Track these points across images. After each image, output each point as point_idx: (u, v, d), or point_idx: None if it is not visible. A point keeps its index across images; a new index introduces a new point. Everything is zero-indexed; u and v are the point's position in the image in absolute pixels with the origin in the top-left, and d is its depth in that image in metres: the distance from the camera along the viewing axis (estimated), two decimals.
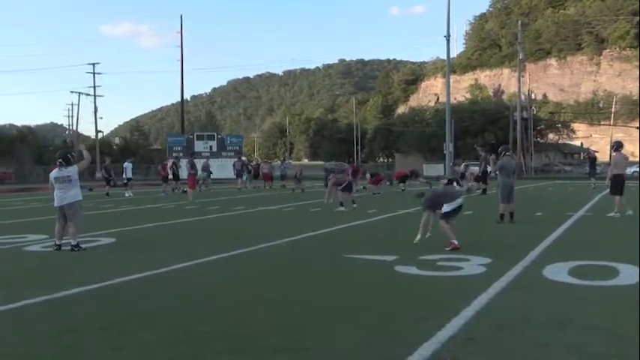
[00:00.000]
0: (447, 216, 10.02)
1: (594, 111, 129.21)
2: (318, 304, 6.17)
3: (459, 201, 10.25)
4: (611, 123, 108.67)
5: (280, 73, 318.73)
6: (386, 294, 6.62)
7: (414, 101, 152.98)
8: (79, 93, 72.24)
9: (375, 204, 20.40)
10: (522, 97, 68.32)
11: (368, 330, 5.11)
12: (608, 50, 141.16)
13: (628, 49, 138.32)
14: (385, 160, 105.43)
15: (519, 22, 77.25)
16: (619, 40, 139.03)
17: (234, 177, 36.14)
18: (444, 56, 70.25)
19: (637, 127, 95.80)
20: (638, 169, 61.95)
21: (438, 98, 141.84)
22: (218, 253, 9.51)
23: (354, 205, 18.25)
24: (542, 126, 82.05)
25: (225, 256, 9.34)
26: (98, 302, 6.44)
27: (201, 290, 6.95)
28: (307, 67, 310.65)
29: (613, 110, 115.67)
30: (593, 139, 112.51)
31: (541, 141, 78.83)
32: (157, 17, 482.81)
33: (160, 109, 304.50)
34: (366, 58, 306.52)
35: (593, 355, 4.42)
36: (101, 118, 70.69)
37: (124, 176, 30.78)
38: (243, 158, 41.87)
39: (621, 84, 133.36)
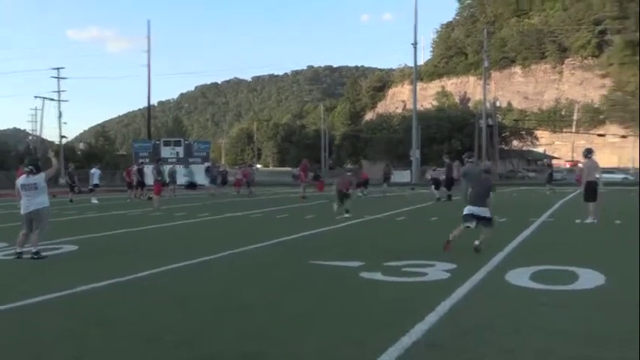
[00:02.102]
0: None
1: (557, 118, 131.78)
2: (284, 310, 6.18)
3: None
4: (573, 130, 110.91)
5: (249, 79, 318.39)
6: (351, 300, 6.65)
7: (381, 108, 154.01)
8: (44, 98, 71.08)
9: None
10: (488, 104, 69.27)
11: (333, 336, 5.13)
12: (570, 59, 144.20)
13: (589, 58, 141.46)
14: (353, 167, 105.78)
15: (485, 30, 78.51)
16: (581, 49, 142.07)
17: (208, 183, 35.85)
18: (411, 63, 71.01)
19: (598, 135, 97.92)
20: (628, 176, 63.36)
21: (405, 105, 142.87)
22: (184, 260, 9.44)
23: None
24: (507, 133, 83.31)
25: (190, 263, 9.28)
26: (61, 311, 6.35)
27: (167, 298, 6.90)
28: (276, 73, 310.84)
29: (575, 118, 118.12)
30: (556, 146, 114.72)
31: (506, 148, 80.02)
32: (124, 22, 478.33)
33: (126, 115, 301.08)
34: (335, 65, 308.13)
35: (552, 358, 4.50)
36: (65, 123, 69.31)
37: (90, 182, 30.35)
38: (210, 164, 41.59)
39: (583, 92, 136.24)
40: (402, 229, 15.14)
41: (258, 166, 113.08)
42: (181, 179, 37.73)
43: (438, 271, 8.17)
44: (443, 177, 27.64)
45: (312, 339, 5.05)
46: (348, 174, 22.32)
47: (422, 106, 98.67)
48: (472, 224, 10.22)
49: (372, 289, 7.25)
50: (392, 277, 7.79)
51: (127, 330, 5.45)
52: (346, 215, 17.60)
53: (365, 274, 8.00)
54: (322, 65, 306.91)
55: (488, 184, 10.58)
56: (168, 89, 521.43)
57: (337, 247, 11.31)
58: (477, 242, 9.92)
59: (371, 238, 13.02)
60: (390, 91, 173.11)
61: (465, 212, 10.27)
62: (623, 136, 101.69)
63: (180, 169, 37.17)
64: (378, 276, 7.88)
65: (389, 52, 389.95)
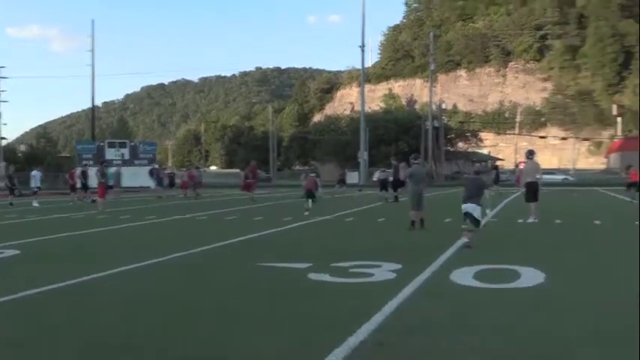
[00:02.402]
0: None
1: (501, 121, 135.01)
2: (231, 313, 6.16)
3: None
4: (516, 132, 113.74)
5: (196, 80, 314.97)
6: (299, 301, 6.68)
7: (329, 110, 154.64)
8: None
9: (290, 212, 20.50)
10: (434, 106, 70.44)
11: (281, 337, 5.16)
12: (513, 63, 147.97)
13: (531, 62, 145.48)
14: (301, 168, 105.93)
15: (431, 34, 79.83)
16: (523, 53, 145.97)
17: (154, 185, 35.33)
18: (359, 66, 71.57)
19: (540, 137, 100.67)
20: (568, 177, 65.18)
21: (353, 107, 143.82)
22: (129, 263, 9.30)
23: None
24: (453, 135, 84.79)
25: (136, 266, 9.15)
26: (2, 318, 6.18)
27: (112, 302, 6.79)
28: (223, 74, 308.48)
29: (518, 120, 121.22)
30: (500, 147, 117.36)
31: (451, 149, 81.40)
32: (68, 21, 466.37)
33: (69, 116, 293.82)
34: (283, 67, 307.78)
35: (495, 356, 4.63)
36: (5, 124, 67.53)
37: (31, 185, 29.53)
38: (156, 166, 41.03)
39: (525, 95, 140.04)
40: (350, 230, 15.26)
41: (213, 167, 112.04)
42: (126, 182, 37.06)
43: (384, 271, 8.27)
44: (390, 178, 27.99)
45: (259, 341, 5.05)
46: (312, 175, 25.15)
47: (370, 108, 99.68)
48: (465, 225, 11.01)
49: (320, 290, 7.30)
50: (339, 278, 7.86)
51: (71, 336, 5.35)
52: (305, 214, 18.63)
53: (313, 276, 8.05)
54: (270, 67, 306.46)
55: (478, 183, 11.50)
56: (114, 90, 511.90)
57: (285, 249, 11.34)
58: (465, 240, 10.65)
59: (319, 239, 13.09)
60: (339, 93, 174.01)
61: (462, 211, 11.06)
62: (564, 138, 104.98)
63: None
64: (326, 277, 7.94)
65: (337, 54, 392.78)
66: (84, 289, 7.60)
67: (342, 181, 37.26)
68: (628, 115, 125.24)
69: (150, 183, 36.77)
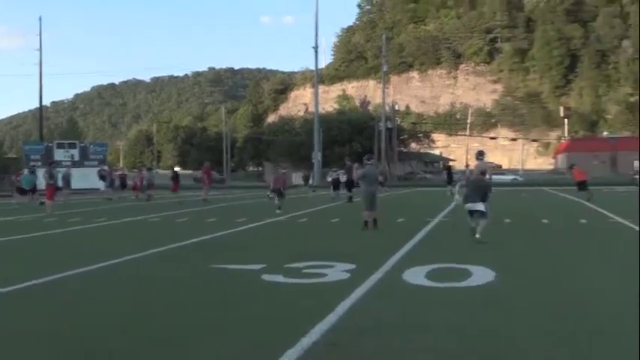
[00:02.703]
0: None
1: (452, 122, 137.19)
2: (183, 315, 6.07)
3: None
4: (467, 133, 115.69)
5: (148, 80, 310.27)
6: (252, 303, 6.63)
7: (283, 110, 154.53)
8: None
9: (244, 213, 20.39)
10: (387, 108, 71.08)
11: (233, 339, 5.11)
12: (464, 65, 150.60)
13: (482, 64, 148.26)
14: (255, 169, 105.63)
15: (383, 36, 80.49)
16: (474, 55, 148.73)
17: (104, 187, 34.61)
18: (313, 67, 71.69)
19: (490, 138, 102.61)
20: (517, 177, 66.45)
21: (307, 108, 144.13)
22: (78, 267, 9.05)
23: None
24: (406, 136, 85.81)
25: (86, 270, 8.92)
26: None
27: (61, 308, 6.61)
28: (176, 74, 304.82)
29: (469, 121, 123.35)
30: (452, 148, 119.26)
31: (404, 150, 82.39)
32: (15, 18, 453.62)
33: (15, 116, 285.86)
34: (236, 67, 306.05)
35: (447, 355, 4.67)
36: None
37: None
38: (106, 167, 40.23)
39: (476, 97, 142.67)
40: (304, 231, 15.26)
41: (177, 168, 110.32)
42: (76, 184, 36.22)
43: (337, 271, 8.28)
44: (343, 179, 28.16)
45: (212, 343, 4.99)
46: (283, 171, 26.08)
47: (323, 109, 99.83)
48: (473, 222, 11.63)
49: (274, 291, 7.26)
50: (293, 279, 7.84)
51: (15, 343, 5.18)
52: (277, 211, 19.65)
53: (266, 277, 8.00)
54: (224, 67, 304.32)
55: (482, 183, 12.13)
56: (63, 89, 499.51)
57: (238, 251, 11.26)
58: (477, 236, 11.25)
59: (273, 240, 13.04)
60: (293, 94, 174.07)
61: (467, 210, 11.72)
62: (513, 139, 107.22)
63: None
64: (279, 278, 7.91)
65: (291, 55, 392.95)
66: (29, 294, 7.37)
67: (307, 181, 37.72)
68: (574, 116, 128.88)
69: (100, 185, 36.03)
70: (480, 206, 11.47)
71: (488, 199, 11.80)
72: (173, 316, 6.08)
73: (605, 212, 19.11)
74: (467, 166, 41.44)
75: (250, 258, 9.79)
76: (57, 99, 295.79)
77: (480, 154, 16.71)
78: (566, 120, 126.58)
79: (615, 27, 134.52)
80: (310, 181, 39.81)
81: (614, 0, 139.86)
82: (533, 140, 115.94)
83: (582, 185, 26.92)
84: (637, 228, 13.52)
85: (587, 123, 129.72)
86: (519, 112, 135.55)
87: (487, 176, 16.48)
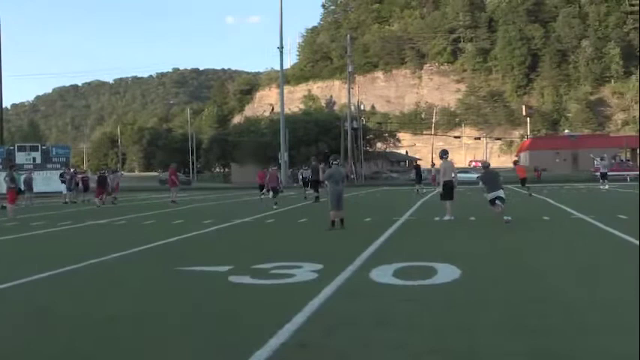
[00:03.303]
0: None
1: (417, 121, 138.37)
2: (149, 319, 6.02)
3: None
4: (432, 132, 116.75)
5: (111, 82, 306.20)
6: (219, 304, 6.60)
7: (249, 111, 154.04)
8: None
9: (210, 215, 20.27)
10: (352, 108, 71.31)
11: (200, 341, 5.08)
12: (428, 65, 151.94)
13: (445, 64, 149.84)
14: (222, 170, 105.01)
15: (348, 36, 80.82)
16: (437, 55, 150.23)
17: (65, 190, 34.03)
18: (278, 67, 71.59)
19: (455, 137, 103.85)
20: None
21: (272, 108, 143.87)
22: (41, 272, 8.89)
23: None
24: (371, 135, 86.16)
25: (49, 274, 8.77)
26: None
27: (22, 314, 6.49)
28: (140, 75, 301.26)
29: (434, 121, 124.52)
30: (417, 147, 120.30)
31: (370, 150, 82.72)
32: None
33: None
34: (201, 68, 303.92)
35: (415, 352, 4.72)
36: None
37: None
38: (71, 170, 39.56)
39: (440, 96, 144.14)
40: (271, 231, 15.24)
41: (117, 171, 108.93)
42: (38, 187, 35.56)
43: (305, 272, 8.30)
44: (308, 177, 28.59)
45: (178, 345, 4.97)
46: (274, 168, 28.08)
47: (289, 109, 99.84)
48: (499, 208, 14.59)
49: (241, 292, 7.25)
50: (260, 280, 7.83)
51: None
52: (274, 207, 21.84)
53: (233, 278, 7.98)
54: (188, 68, 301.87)
55: (494, 174, 15.41)
56: (23, 91, 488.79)
57: (205, 252, 11.20)
58: (506, 217, 14.25)
59: (240, 241, 13.00)
60: (258, 94, 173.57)
61: (490, 198, 14.75)
62: (477, 138, 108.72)
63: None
64: (247, 279, 7.89)
65: (256, 56, 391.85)
66: None
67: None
68: (536, 115, 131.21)
69: (62, 188, 35.43)
70: (501, 192, 14.55)
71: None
72: (137, 319, 6.02)
73: (566, 209, 19.51)
74: (432, 165, 41.88)
75: (217, 260, 9.75)
76: (17, 101, 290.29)
77: (444, 153, 16.91)
78: (528, 119, 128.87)
79: (574, 27, 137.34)
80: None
81: (574, 0, 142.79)
82: (497, 139, 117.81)
83: (523, 181, 30.72)
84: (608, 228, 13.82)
85: (549, 121, 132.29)
86: (483, 111, 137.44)
87: (453, 175, 16.71)
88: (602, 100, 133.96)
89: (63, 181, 34.12)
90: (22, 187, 29.12)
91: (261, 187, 29.85)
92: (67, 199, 32.55)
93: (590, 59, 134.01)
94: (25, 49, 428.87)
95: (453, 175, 16.68)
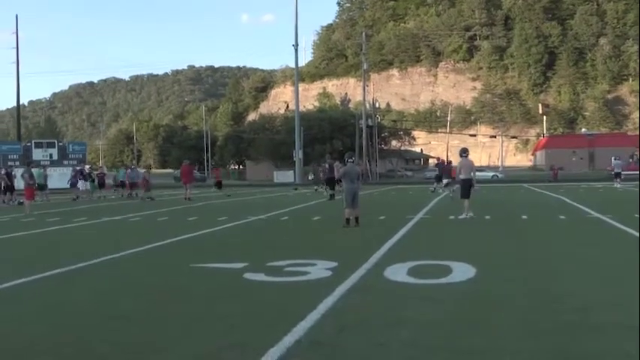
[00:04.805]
0: None
1: (432, 119, 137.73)
2: (164, 315, 6.03)
3: None
4: (448, 131, 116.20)
5: (127, 79, 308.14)
6: (234, 302, 6.60)
7: (264, 108, 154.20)
8: None
9: (225, 212, 20.31)
10: (367, 105, 71.18)
11: (215, 339, 5.08)
12: (443, 63, 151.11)
13: (461, 62, 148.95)
14: (237, 167, 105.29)
15: (363, 33, 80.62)
16: (453, 53, 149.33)
17: (82, 186, 34.26)
18: (293, 64, 71.61)
19: (470, 135, 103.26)
20: (497, 174, 66.99)
21: (287, 106, 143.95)
22: (56, 268, 8.95)
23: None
24: (386, 133, 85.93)
25: (63, 271, 8.82)
26: None
27: (36, 310, 6.52)
28: (155, 72, 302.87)
29: (449, 119, 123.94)
30: (432, 145, 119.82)
31: (385, 148, 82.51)
32: None
33: None
34: (216, 65, 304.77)
35: (428, 349, 4.70)
36: None
37: None
38: (87, 167, 39.85)
39: (456, 94, 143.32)
40: (286, 229, 15.24)
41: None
42: (54, 183, 35.84)
43: (319, 269, 8.29)
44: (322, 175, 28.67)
45: (194, 343, 4.97)
46: (330, 161, 28.91)
47: (304, 107, 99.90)
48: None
49: (256, 289, 7.24)
50: (275, 277, 7.83)
51: None
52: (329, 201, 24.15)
53: (248, 275, 7.98)
54: (204, 65, 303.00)
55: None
56: (40, 88, 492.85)
57: (220, 249, 11.22)
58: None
59: (255, 238, 13.01)
60: (273, 92, 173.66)
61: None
62: (493, 137, 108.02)
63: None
64: (262, 277, 7.89)
65: (271, 53, 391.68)
66: (6, 296, 7.28)
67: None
68: (553, 113, 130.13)
69: (80, 184, 35.66)
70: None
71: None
72: (152, 316, 6.04)
73: (583, 208, 19.34)
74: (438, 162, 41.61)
75: (232, 257, 9.76)
76: (34, 98, 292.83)
77: (464, 152, 16.81)
78: (544, 117, 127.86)
79: (592, 25, 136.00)
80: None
81: None
82: (513, 137, 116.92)
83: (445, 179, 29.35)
84: (620, 225, 13.68)
85: (566, 120, 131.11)
86: (498, 109, 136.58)
87: (472, 174, 16.61)
88: (619, 98, 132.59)
89: (83, 178, 34.15)
90: (43, 182, 29.40)
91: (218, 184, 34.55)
92: (81, 195, 32.77)
93: (607, 57, 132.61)
94: (42, 46, 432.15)
95: (472, 173, 16.58)
